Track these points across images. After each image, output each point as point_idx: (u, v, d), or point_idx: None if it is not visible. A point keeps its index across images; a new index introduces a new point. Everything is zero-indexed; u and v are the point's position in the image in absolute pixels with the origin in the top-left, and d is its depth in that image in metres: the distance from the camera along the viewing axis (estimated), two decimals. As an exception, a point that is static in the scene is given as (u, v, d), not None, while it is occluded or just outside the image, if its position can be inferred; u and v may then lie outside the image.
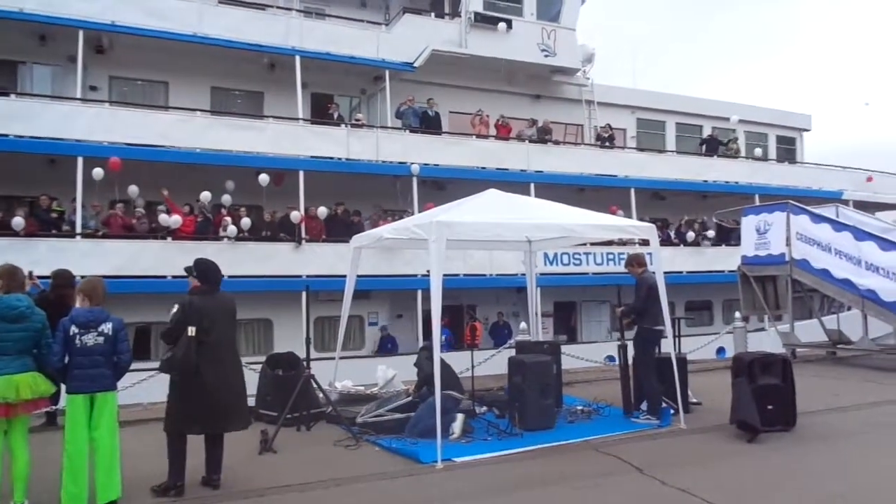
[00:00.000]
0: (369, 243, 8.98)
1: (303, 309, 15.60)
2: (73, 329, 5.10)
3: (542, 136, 20.66)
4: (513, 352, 8.93)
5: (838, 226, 12.22)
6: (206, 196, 15.11)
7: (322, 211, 16.61)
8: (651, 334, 7.83)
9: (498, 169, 19.17)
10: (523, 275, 17.58)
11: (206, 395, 5.45)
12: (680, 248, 20.34)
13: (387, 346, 17.79)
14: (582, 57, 22.32)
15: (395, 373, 8.91)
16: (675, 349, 8.13)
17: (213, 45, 16.90)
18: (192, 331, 5.42)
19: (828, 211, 13.29)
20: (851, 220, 12.92)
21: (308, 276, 15.62)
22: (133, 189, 14.58)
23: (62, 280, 7.41)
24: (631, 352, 8.03)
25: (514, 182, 16.05)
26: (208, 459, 5.69)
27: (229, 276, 14.10)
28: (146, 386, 7.89)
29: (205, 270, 5.78)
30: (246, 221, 15.62)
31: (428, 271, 6.83)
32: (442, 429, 6.39)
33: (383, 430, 7.33)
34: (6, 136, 14.41)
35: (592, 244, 18.03)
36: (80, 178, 14.45)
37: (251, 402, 8.34)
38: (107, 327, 5.18)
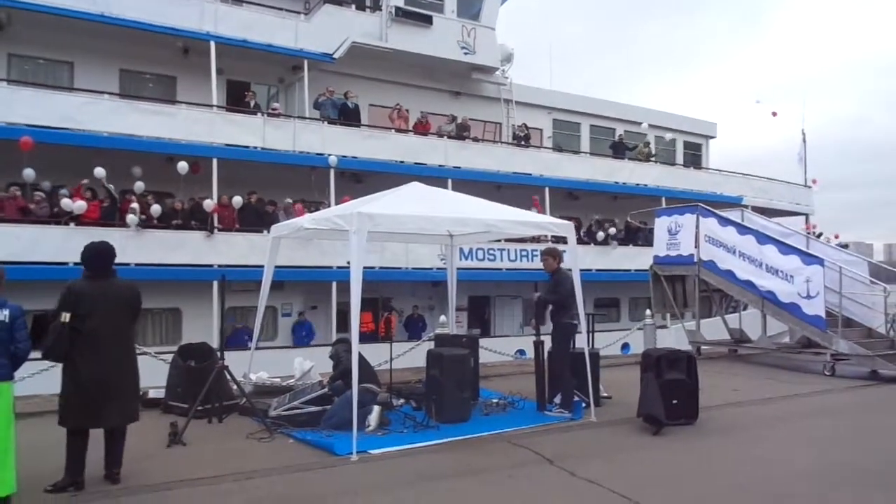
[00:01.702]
0: (289, 233, 8.78)
1: (214, 299, 15.27)
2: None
3: (461, 132, 20.83)
4: (431, 345, 8.97)
5: (743, 229, 12.75)
6: (99, 172, 14.28)
7: (237, 200, 16.15)
8: (568, 328, 8.02)
9: (416, 163, 19.19)
10: (439, 269, 17.93)
11: (80, 387, 5.20)
12: (590, 246, 21.01)
13: (301, 332, 17.51)
14: (501, 56, 22.63)
15: (313, 364, 8.77)
16: (588, 344, 8.38)
17: (122, 26, 16.06)
18: (65, 317, 5.14)
19: (734, 215, 13.92)
20: (755, 224, 13.53)
21: (220, 266, 15.20)
22: (28, 172, 13.70)
23: None
24: (547, 347, 8.20)
25: (432, 177, 16.13)
26: (107, 453, 5.44)
27: (136, 264, 13.82)
28: (46, 376, 7.43)
29: (89, 255, 5.49)
30: (156, 208, 14.96)
31: (348, 263, 6.75)
32: (358, 421, 6.35)
33: (298, 422, 7.21)
34: None
35: (507, 240, 18.34)
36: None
37: (160, 393, 8.07)
38: (3, 314, 4.84)
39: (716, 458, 6.50)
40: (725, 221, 13.04)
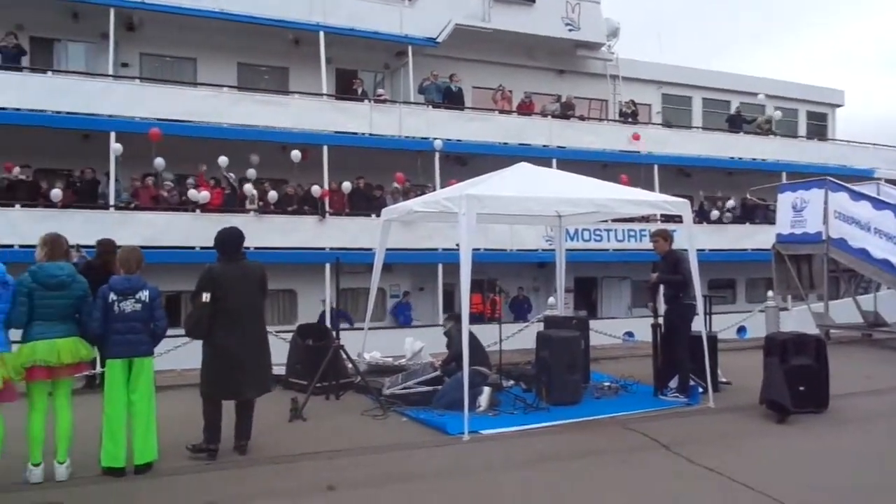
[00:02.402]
0: (398, 216, 8.92)
1: (326, 281, 15.89)
2: (112, 296, 5.13)
3: (566, 111, 20.40)
4: (539, 326, 8.87)
5: (879, 204, 11.73)
6: (222, 161, 15.12)
7: (346, 186, 16.61)
8: (687, 310, 7.68)
9: (520, 144, 19.00)
10: (544, 250, 17.74)
11: (223, 361, 5.50)
12: (703, 225, 20.09)
13: (403, 312, 17.83)
14: (607, 31, 21.92)
15: (423, 345, 8.91)
16: (705, 327, 8.01)
17: (238, 21, 16.85)
18: (205, 297, 5.44)
19: (868, 188, 12.84)
20: (893, 198, 12.45)
21: (331, 249, 15.73)
22: (159, 161, 14.68)
23: (106, 248, 7.65)
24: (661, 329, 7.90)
25: (536, 157, 15.86)
26: (237, 425, 5.74)
27: (255, 248, 14.47)
28: (180, 353, 7.97)
29: (221, 240, 5.78)
30: (272, 195, 15.68)
31: (456, 245, 6.77)
32: (469, 401, 6.38)
33: (410, 401, 7.34)
34: (43, 111, 14.64)
35: (614, 220, 17.85)
36: (112, 152, 14.59)
37: (281, 370, 8.45)
38: (144, 295, 5.21)
39: (848, 450, 6.05)
40: (858, 196, 12.03)
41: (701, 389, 7.64)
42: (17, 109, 14.52)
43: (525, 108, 20.10)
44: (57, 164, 15.50)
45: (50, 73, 15.48)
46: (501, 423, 6.68)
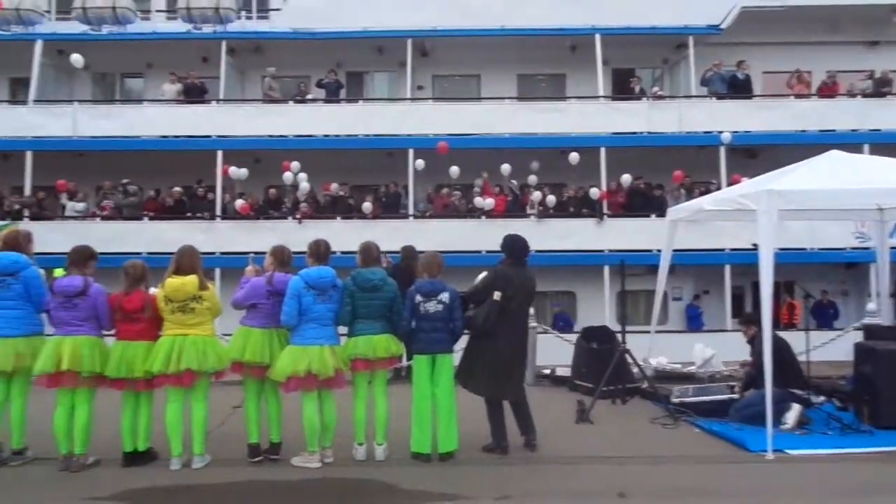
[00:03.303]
0: (686, 216, 8.39)
1: (605, 283, 15.64)
2: (418, 297, 5.58)
3: (880, 88, 17.39)
4: (857, 336, 7.65)
5: None
6: (505, 169, 15.70)
7: (625, 179, 16.13)
8: None
9: (821, 131, 16.65)
10: (853, 248, 15.30)
11: (496, 359, 5.63)
12: None
13: (693, 316, 16.72)
14: (932, -11, 18.21)
15: (714, 352, 8.26)
16: None
17: (518, 35, 17.43)
18: (497, 296, 5.60)
19: None
20: None
21: (609, 251, 15.43)
22: (454, 170, 15.71)
23: (408, 253, 8.45)
24: None
25: (842, 144, 13.73)
26: (518, 422, 5.86)
27: (536, 251, 14.70)
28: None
29: (510, 245, 5.95)
30: (550, 199, 15.88)
31: (753, 245, 6.12)
32: (773, 417, 5.71)
33: (702, 411, 6.82)
34: (356, 136, 16.70)
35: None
36: (410, 166, 16.14)
37: (566, 371, 8.48)
38: (445, 296, 5.58)
39: None
40: None
41: None
42: (337, 136, 16.78)
43: (827, 91, 17.56)
44: (367, 181, 17.53)
45: (361, 102, 17.66)
46: (812, 444, 5.90)
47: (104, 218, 15.78)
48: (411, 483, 5.08)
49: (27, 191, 16.24)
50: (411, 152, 16.22)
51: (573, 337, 8.87)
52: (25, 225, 13.51)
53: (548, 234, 15.62)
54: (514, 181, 16.49)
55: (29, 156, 16.14)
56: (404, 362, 6.73)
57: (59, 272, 5.43)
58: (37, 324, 5.52)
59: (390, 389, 5.81)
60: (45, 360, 5.15)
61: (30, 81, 16.82)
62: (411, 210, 16.33)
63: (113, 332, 5.45)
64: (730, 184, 13.66)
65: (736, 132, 16.40)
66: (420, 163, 15.79)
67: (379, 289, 5.58)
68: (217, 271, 14.31)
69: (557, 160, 16.09)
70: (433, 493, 4.91)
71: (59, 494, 4.84)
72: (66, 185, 16.15)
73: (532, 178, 16.20)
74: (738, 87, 17.25)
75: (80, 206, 16.11)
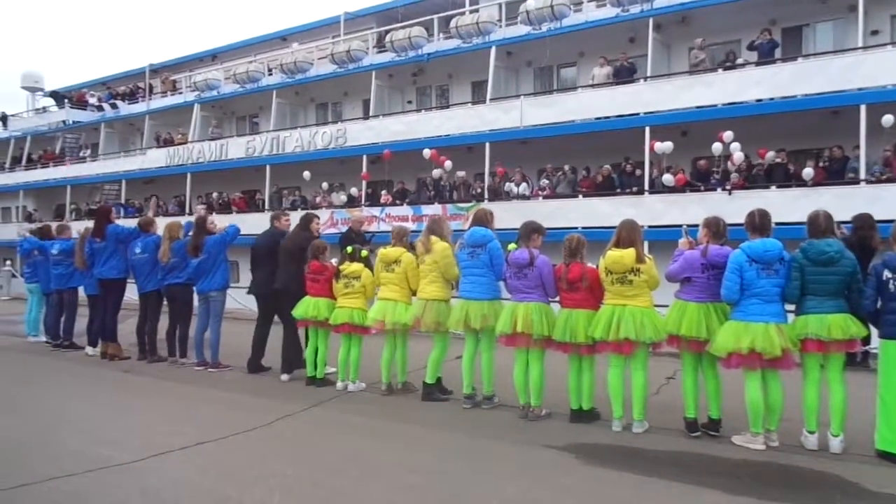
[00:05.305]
0: None
1: None
2: (887, 273, 4.68)
3: None
4: None
5: None
6: None
7: None
8: None
9: None
10: None
11: None
12: None
13: None
14: None
15: None
16: None
17: None
18: None
19: None
20: None
21: None
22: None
23: (864, 223, 7.17)
24: None
25: None
26: None
27: None
28: None
29: None
30: None
31: None
32: None
33: None
34: (793, 97, 14.80)
35: None
36: (863, 126, 13.57)
37: None
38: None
39: None
40: None
41: None
42: (771, 99, 15.08)
43: None
44: (807, 145, 15.43)
45: (800, 59, 15.43)
46: None
47: (545, 197, 17.32)
48: (877, 484, 4.31)
49: (485, 178, 18.71)
50: (863, 108, 13.61)
51: None
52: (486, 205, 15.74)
53: None
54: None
55: (487, 147, 18.57)
56: (861, 347, 5.73)
57: (512, 246, 6.08)
58: (497, 290, 6.30)
59: (853, 377, 5.03)
60: (504, 322, 5.85)
61: (486, 83, 19.37)
62: (862, 174, 13.73)
63: (558, 299, 5.89)
64: None
65: None
66: (889, 118, 13.07)
67: (835, 262, 4.85)
68: (646, 244, 14.39)
69: None
70: (907, 499, 4.09)
71: (520, 438, 5.42)
72: (503, 171, 18.05)
73: None
74: None
75: (523, 187, 17.88)
